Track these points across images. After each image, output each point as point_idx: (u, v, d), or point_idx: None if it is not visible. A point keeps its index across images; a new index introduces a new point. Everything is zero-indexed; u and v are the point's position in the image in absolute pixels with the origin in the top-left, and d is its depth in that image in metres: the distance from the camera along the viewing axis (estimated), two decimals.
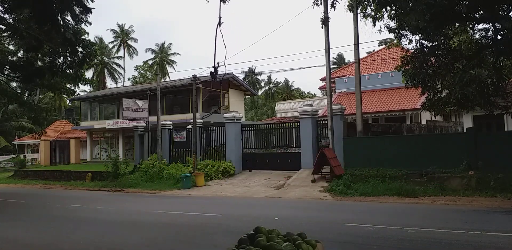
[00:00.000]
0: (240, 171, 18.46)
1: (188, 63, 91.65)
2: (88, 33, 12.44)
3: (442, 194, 11.44)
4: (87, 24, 10.75)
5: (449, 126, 20.63)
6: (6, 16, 11.29)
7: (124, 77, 53.58)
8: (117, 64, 52.79)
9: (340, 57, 53.56)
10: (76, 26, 10.69)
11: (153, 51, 53.91)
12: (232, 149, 18.51)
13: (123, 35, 52.33)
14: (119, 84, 50.50)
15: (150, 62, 54.48)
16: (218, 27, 6.71)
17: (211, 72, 8.67)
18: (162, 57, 53.65)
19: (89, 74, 46.71)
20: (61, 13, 9.34)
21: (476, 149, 12.39)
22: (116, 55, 53.35)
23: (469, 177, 11.71)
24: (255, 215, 9.30)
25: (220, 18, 6.79)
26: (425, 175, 12.56)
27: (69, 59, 11.30)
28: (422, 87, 12.46)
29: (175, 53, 55.46)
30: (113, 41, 52.75)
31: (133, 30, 53.68)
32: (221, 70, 9.02)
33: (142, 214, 10.58)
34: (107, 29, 51.34)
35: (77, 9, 9.83)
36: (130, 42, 53.38)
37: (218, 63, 7.70)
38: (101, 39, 50.81)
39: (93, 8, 10.01)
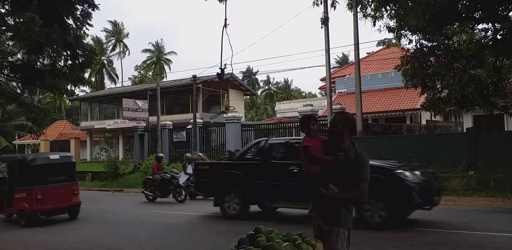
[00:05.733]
0: None
1: (188, 64, 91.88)
2: (87, 35, 12.45)
3: (442, 194, 11.42)
4: (88, 26, 10.71)
5: (449, 126, 20.62)
6: (8, 18, 11.26)
7: (122, 77, 53.31)
8: (113, 68, 52.43)
9: (345, 56, 53.47)
10: (78, 33, 10.66)
11: (147, 50, 53.23)
12: (232, 149, 18.48)
13: (117, 34, 51.78)
14: (118, 84, 50.40)
15: (148, 62, 54.15)
16: (224, 28, 6.73)
17: (217, 74, 8.67)
18: (159, 56, 53.20)
19: (87, 74, 46.48)
20: (68, 12, 9.27)
21: (476, 149, 12.38)
22: (112, 53, 52.94)
23: (469, 177, 11.71)
24: (255, 215, 9.29)
25: (226, 19, 6.81)
26: None
27: (69, 62, 11.27)
28: (421, 87, 12.46)
29: (172, 52, 55.08)
30: (109, 41, 52.13)
31: (124, 27, 52.89)
32: (226, 71, 9.03)
33: (142, 214, 10.58)
34: (101, 30, 50.25)
35: (82, 6, 9.75)
36: (125, 41, 52.90)
37: (225, 64, 7.68)
38: (100, 40, 50.57)
39: (99, 4, 9.93)
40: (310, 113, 4.47)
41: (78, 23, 10.13)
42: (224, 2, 8.38)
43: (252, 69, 56.07)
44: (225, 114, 19.72)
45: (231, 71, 8.24)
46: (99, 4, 9.82)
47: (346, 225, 2.86)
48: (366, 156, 2.93)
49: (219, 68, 7.83)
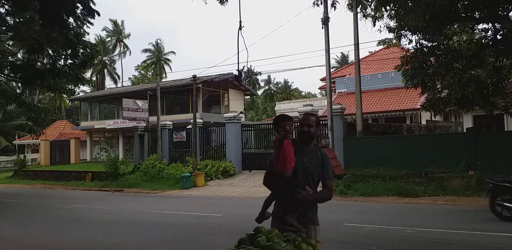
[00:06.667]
0: (240, 171, 18.45)
1: (188, 64, 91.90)
2: (88, 33, 12.45)
3: (442, 194, 11.44)
4: (89, 25, 10.71)
5: (449, 126, 20.63)
6: (8, 18, 11.26)
7: (122, 77, 53.15)
8: (113, 68, 52.29)
9: (344, 56, 53.48)
10: (78, 30, 10.66)
11: (147, 50, 53.09)
12: (232, 149, 18.50)
13: (117, 34, 51.65)
14: (118, 84, 50.31)
15: (148, 62, 54.06)
16: (240, 31, 6.70)
17: (235, 76, 8.68)
18: (159, 56, 53.11)
19: (88, 74, 46.36)
20: (68, 13, 9.28)
21: (476, 149, 12.39)
22: (113, 54, 52.77)
23: (469, 177, 11.71)
24: (255, 215, 9.29)
25: (240, 22, 6.78)
26: (425, 175, 12.56)
27: (69, 61, 11.28)
28: (421, 87, 12.46)
29: (171, 51, 54.98)
30: (110, 41, 52.00)
31: (124, 28, 52.72)
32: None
33: (142, 214, 10.58)
34: (102, 30, 50.05)
35: (81, 11, 9.76)
36: (126, 41, 52.76)
37: (244, 67, 7.64)
38: (103, 40, 50.47)
39: (97, 12, 9.92)
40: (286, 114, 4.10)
41: (79, 22, 10.15)
42: (226, 4, 8.40)
43: (254, 69, 56.11)
44: (225, 114, 19.74)
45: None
46: (97, 11, 9.81)
47: (318, 223, 3.00)
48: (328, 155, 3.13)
49: (237, 70, 7.75)
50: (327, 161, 3.03)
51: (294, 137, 3.20)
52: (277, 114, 32.33)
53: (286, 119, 3.16)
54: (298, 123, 3.15)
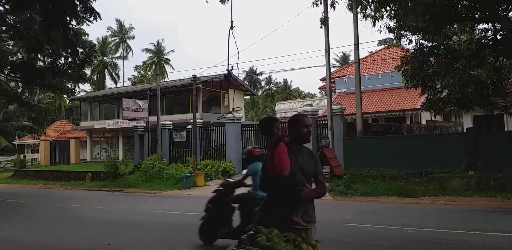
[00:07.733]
0: (240, 171, 18.44)
1: (188, 64, 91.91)
2: (88, 35, 12.50)
3: (442, 194, 11.44)
4: (89, 22, 10.71)
5: (449, 126, 20.63)
6: (8, 17, 11.27)
7: (124, 77, 53.26)
8: (115, 69, 52.32)
9: (344, 55, 53.48)
10: (77, 27, 10.68)
11: (148, 50, 53.21)
12: (232, 149, 18.50)
13: (121, 34, 51.73)
14: (119, 84, 50.35)
15: (148, 62, 54.07)
16: (231, 30, 6.71)
17: (225, 75, 8.66)
18: (159, 56, 53.12)
19: (89, 73, 46.34)
20: (72, 15, 9.25)
21: (476, 149, 12.40)
22: (115, 55, 52.92)
23: (469, 177, 11.72)
24: None
25: (232, 22, 6.79)
26: (425, 175, 12.56)
27: (69, 60, 11.29)
28: (421, 87, 12.47)
29: (171, 50, 55.04)
30: (113, 41, 52.20)
31: (131, 28, 52.78)
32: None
33: (142, 214, 10.57)
34: (107, 30, 50.33)
35: (79, 9, 9.75)
36: (129, 41, 52.91)
37: (232, 66, 7.64)
38: (105, 40, 50.45)
39: (98, 14, 9.89)
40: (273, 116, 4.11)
41: (78, 20, 10.12)
42: (227, 3, 8.40)
43: (256, 69, 56.15)
44: (229, 115, 19.74)
45: (237, 73, 8.15)
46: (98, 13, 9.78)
47: (315, 220, 3.05)
48: None
49: (226, 70, 7.75)
50: (317, 157, 3.13)
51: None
52: (277, 114, 32.42)
53: (276, 121, 3.19)
54: (300, 124, 3.03)
